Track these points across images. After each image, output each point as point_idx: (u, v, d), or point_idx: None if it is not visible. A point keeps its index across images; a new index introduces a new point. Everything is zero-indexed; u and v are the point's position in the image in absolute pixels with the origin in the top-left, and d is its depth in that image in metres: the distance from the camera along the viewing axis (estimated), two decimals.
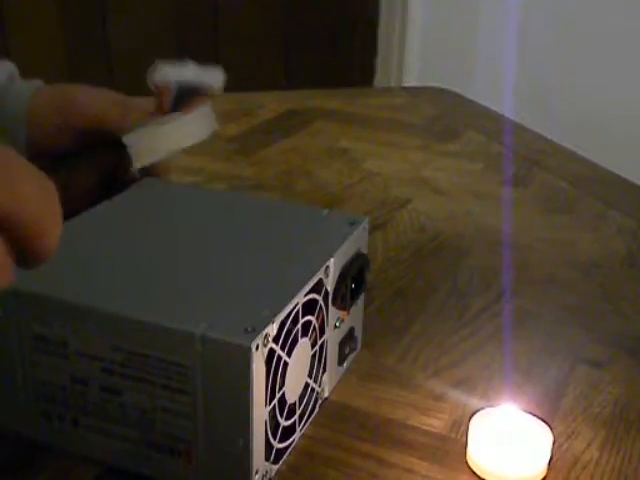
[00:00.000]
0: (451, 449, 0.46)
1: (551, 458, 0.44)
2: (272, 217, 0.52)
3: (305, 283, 0.43)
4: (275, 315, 0.39)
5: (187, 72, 0.58)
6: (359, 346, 0.54)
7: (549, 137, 1.07)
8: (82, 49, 2.00)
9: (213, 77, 0.58)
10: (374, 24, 2.27)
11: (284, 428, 0.43)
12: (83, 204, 0.52)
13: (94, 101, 0.59)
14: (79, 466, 0.43)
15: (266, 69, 2.19)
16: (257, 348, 0.37)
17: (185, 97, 0.57)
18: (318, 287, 0.44)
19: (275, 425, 0.42)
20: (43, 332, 0.41)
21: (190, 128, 0.57)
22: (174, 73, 0.58)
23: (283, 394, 0.42)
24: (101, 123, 0.59)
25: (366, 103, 1.20)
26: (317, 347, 0.46)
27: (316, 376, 0.47)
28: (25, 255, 0.34)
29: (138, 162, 0.55)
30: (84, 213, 0.51)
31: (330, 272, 0.46)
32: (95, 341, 0.40)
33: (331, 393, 0.50)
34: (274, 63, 2.22)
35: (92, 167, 0.60)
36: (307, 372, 0.45)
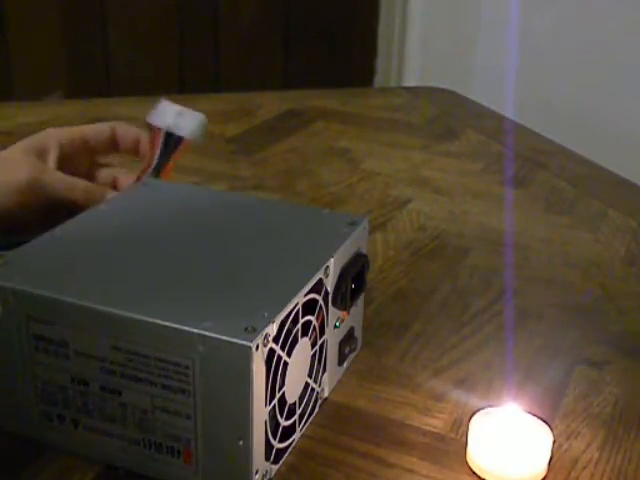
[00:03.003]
0: (451, 449, 0.46)
1: (551, 458, 0.44)
2: (272, 217, 0.52)
3: (305, 283, 0.43)
4: (275, 315, 0.39)
5: (178, 119, 0.62)
6: (359, 346, 0.54)
7: (549, 137, 1.07)
8: (82, 50, 1.99)
9: (195, 126, 0.62)
10: (374, 24, 2.27)
11: (284, 428, 0.43)
12: None
13: (56, 182, 0.59)
14: (79, 466, 0.43)
15: (266, 69, 2.19)
16: (257, 348, 0.37)
17: (170, 145, 0.62)
18: (318, 287, 0.44)
19: (275, 425, 0.42)
20: (43, 332, 0.41)
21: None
22: (168, 118, 0.62)
23: (283, 394, 0.42)
24: (67, 202, 0.59)
25: (366, 103, 1.20)
26: (317, 347, 0.46)
27: (316, 376, 0.47)
28: None
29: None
30: (84, 213, 0.51)
31: (330, 272, 0.46)
32: (95, 341, 0.40)
33: (331, 393, 0.50)
34: (274, 63, 2.22)
35: None
36: (307, 372, 0.45)
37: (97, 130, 0.64)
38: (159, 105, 0.63)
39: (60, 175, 0.60)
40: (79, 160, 0.63)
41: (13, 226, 0.59)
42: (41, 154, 0.60)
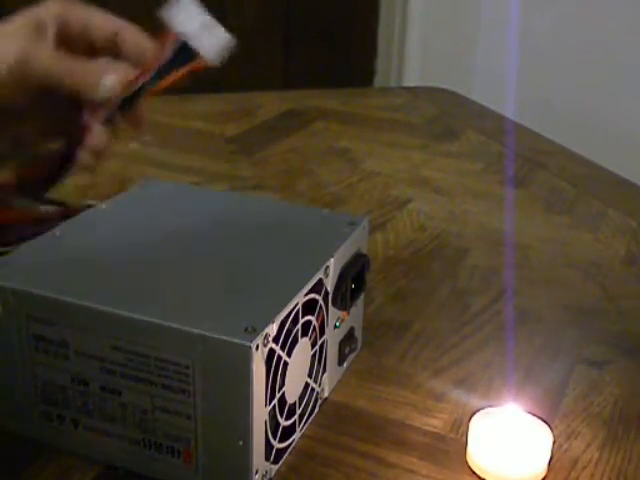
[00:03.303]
0: (451, 449, 0.46)
1: (551, 458, 0.44)
2: (272, 217, 0.52)
3: (305, 283, 0.43)
4: (275, 315, 0.39)
5: (203, 31, 0.52)
6: (359, 346, 0.54)
7: (549, 137, 1.07)
8: None
9: (218, 47, 0.52)
10: (374, 24, 2.27)
11: (284, 428, 0.43)
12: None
13: (50, 59, 0.52)
14: (79, 466, 0.43)
15: (266, 69, 2.19)
16: (257, 348, 0.37)
17: (181, 57, 0.52)
18: (318, 287, 0.44)
19: (275, 425, 0.42)
20: (43, 332, 0.41)
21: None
22: (191, 24, 0.52)
23: (283, 394, 0.42)
24: (60, 86, 0.52)
25: (366, 103, 1.20)
26: (317, 347, 0.46)
27: (316, 376, 0.47)
28: None
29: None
30: (84, 213, 0.51)
31: (330, 272, 0.46)
32: (95, 341, 0.40)
33: (331, 393, 0.50)
34: (274, 63, 2.22)
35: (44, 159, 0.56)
36: (307, 372, 0.45)
37: (101, 23, 0.55)
38: (183, 2, 0.52)
39: (56, 54, 0.52)
40: (75, 48, 0.54)
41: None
42: (40, 29, 0.53)
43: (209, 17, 0.52)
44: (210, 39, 0.52)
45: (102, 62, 0.54)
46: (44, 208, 0.61)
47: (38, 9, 0.54)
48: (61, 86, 0.52)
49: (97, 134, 0.53)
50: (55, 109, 0.55)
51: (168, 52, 0.52)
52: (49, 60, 0.52)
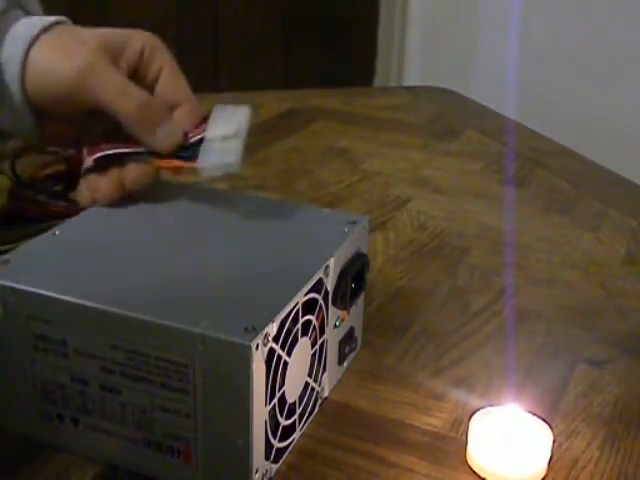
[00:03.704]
0: (451, 449, 0.46)
1: (551, 458, 0.44)
2: (272, 217, 0.52)
3: (305, 283, 0.43)
4: (275, 314, 0.39)
5: (220, 143, 0.51)
6: (359, 346, 0.54)
7: (549, 137, 1.07)
8: None
9: (217, 167, 0.51)
10: (374, 24, 2.27)
11: (284, 427, 0.43)
12: None
13: (112, 82, 0.48)
14: (79, 466, 0.43)
15: (266, 69, 2.19)
16: (257, 347, 0.37)
17: (187, 150, 0.51)
18: (318, 287, 0.44)
19: (275, 424, 0.42)
20: (43, 331, 0.41)
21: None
22: (215, 131, 0.51)
23: (283, 393, 0.42)
24: (113, 112, 0.49)
25: (366, 103, 1.20)
26: (317, 347, 0.46)
27: (316, 376, 0.47)
28: None
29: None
30: (83, 213, 0.51)
31: (330, 272, 0.46)
32: (95, 341, 0.40)
33: (331, 393, 0.50)
34: (274, 63, 2.22)
35: None
36: (307, 372, 0.45)
37: (169, 86, 0.52)
38: (232, 109, 0.52)
39: (120, 77, 0.49)
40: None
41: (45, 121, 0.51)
42: (117, 54, 0.50)
43: (242, 135, 0.51)
44: (217, 155, 0.51)
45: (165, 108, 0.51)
46: (61, 203, 0.62)
47: (131, 35, 0.51)
48: (112, 112, 0.49)
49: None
50: (90, 126, 0.52)
51: (189, 139, 0.51)
52: (109, 83, 0.48)
